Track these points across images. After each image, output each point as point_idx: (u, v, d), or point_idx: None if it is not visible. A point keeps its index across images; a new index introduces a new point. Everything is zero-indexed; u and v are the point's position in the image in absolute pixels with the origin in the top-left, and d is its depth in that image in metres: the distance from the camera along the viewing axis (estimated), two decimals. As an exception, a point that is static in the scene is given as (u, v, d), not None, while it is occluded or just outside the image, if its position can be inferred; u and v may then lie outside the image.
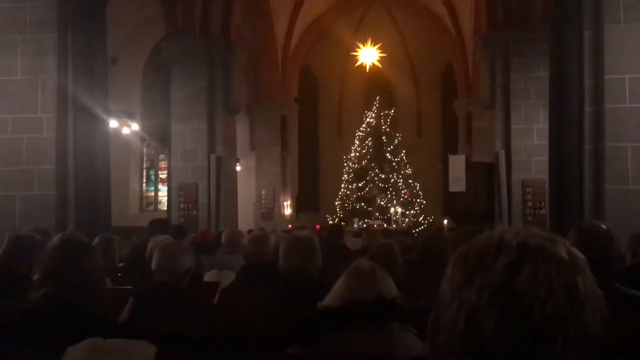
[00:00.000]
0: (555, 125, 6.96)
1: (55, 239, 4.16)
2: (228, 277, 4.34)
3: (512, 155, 11.70)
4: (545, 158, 7.59)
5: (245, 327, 2.63)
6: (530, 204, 11.50)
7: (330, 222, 19.07)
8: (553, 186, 7.06)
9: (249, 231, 6.91)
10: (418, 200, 20.30)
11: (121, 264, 5.07)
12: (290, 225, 17.57)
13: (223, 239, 5.48)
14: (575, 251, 0.95)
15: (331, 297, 2.16)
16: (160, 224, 5.44)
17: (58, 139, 7.18)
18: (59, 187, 7.15)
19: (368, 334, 1.86)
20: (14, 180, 7.16)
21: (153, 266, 3.04)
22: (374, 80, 22.72)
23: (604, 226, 3.08)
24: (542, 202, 11.05)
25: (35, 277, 3.30)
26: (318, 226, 16.21)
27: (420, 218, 19.98)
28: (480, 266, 0.92)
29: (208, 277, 4.45)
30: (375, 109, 21.06)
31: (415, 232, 16.18)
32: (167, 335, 2.28)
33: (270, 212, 19.29)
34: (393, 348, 1.84)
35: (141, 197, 20.82)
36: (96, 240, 4.64)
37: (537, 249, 0.92)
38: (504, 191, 11.67)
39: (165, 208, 15.84)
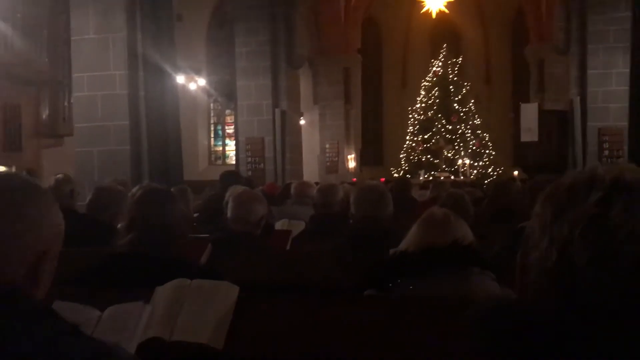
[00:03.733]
0: (638, 68, 6.56)
1: (137, 189, 4.34)
2: (298, 227, 4.41)
3: (588, 103, 11.14)
4: (624, 104, 7.21)
5: (319, 273, 2.69)
6: (607, 152, 10.99)
7: (396, 175, 18.94)
8: (633, 134, 6.71)
9: (316, 184, 6.97)
10: (487, 151, 19.78)
11: (195, 215, 5.25)
12: (354, 179, 17.61)
13: (292, 190, 5.55)
14: None
15: (405, 244, 2.16)
16: (232, 175, 5.57)
17: (130, 95, 7.43)
18: (133, 141, 7.44)
19: (445, 277, 1.86)
20: (91, 136, 7.52)
21: (228, 215, 3.14)
22: (441, 27, 21.96)
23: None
24: (620, 151, 10.54)
25: (120, 225, 3.49)
26: (383, 179, 16.17)
27: (489, 170, 19.52)
28: (572, 200, 0.90)
29: (279, 226, 4.54)
30: (442, 58, 20.41)
31: (484, 184, 15.85)
32: (244, 281, 2.36)
33: (334, 165, 19.36)
34: (471, 291, 1.83)
35: (209, 151, 21.35)
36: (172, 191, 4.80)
37: (632, 183, 0.88)
38: (579, 140, 11.19)
39: (233, 162, 16.23)
